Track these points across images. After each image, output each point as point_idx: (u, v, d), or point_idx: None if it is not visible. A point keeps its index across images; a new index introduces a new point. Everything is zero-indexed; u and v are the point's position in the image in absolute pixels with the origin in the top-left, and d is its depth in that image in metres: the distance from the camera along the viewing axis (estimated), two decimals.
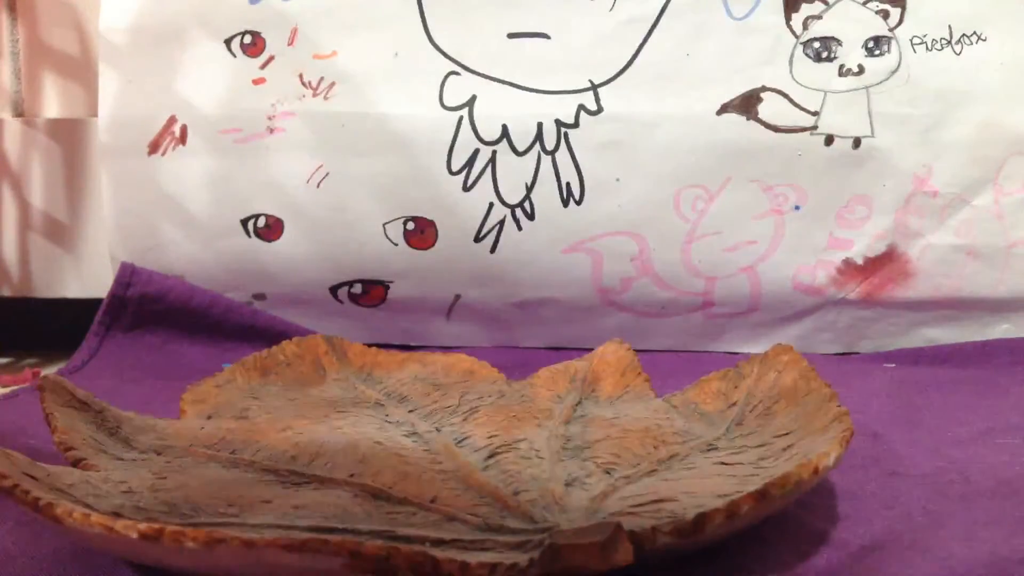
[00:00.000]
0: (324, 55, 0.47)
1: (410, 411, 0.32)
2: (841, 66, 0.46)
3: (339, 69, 0.47)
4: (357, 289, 0.48)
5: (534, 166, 0.46)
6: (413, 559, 0.18)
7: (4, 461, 0.21)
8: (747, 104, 0.46)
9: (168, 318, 0.47)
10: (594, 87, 0.46)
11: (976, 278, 0.46)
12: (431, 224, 0.47)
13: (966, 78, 0.45)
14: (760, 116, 0.46)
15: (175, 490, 0.23)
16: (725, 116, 0.46)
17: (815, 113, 0.46)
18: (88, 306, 0.48)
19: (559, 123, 0.46)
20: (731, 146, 0.46)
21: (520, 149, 0.46)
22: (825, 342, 0.48)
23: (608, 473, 0.25)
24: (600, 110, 0.46)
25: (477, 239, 0.46)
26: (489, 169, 0.46)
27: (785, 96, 0.46)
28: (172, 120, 0.47)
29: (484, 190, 0.46)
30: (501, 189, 0.46)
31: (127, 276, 0.47)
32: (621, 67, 0.46)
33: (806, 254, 0.47)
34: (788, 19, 0.46)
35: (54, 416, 0.26)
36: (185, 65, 0.47)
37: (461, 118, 0.46)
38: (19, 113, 0.54)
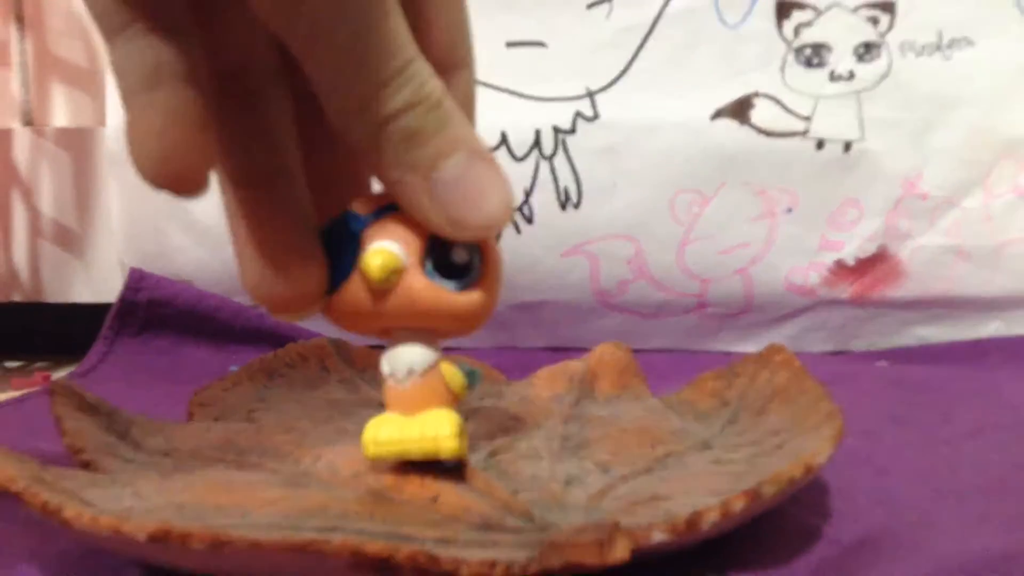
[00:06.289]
0: None
1: None
2: (832, 72, 0.46)
3: None
4: None
5: (532, 171, 0.47)
6: (414, 558, 0.18)
7: (14, 464, 0.21)
8: (740, 110, 0.46)
9: (176, 322, 0.47)
10: (591, 94, 0.47)
11: (966, 278, 0.46)
12: None
13: (955, 83, 0.45)
14: (753, 121, 0.46)
15: (183, 491, 0.23)
16: (719, 121, 0.46)
17: (807, 118, 0.46)
18: (98, 311, 0.48)
19: (557, 129, 0.47)
20: (725, 151, 0.46)
21: (519, 155, 0.46)
22: (818, 341, 0.48)
23: (606, 472, 0.25)
24: (597, 116, 0.47)
25: None
26: None
27: (777, 102, 0.46)
28: None
29: None
30: None
31: (136, 281, 0.48)
32: (617, 74, 0.47)
33: (798, 256, 0.47)
34: (780, 26, 0.46)
35: (63, 419, 0.26)
36: None
37: None
38: (28, 122, 0.54)
